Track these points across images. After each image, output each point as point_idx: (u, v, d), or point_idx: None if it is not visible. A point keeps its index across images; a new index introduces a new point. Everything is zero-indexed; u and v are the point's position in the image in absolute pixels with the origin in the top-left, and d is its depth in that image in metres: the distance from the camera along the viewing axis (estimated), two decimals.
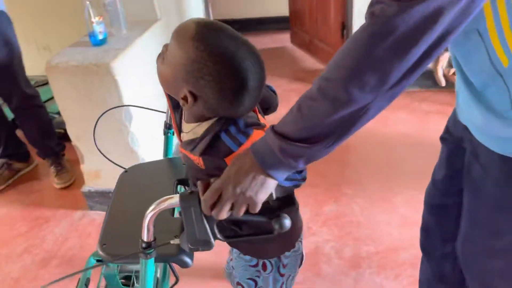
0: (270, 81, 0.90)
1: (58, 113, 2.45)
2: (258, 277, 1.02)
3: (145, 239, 0.86)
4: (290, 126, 0.67)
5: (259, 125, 0.83)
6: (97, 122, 1.29)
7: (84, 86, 1.79)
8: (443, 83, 1.18)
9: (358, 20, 2.94)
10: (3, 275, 1.85)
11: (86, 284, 1.27)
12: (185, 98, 0.82)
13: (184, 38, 0.78)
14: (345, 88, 0.61)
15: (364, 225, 1.91)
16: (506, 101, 0.75)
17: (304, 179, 0.81)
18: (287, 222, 0.78)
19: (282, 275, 1.03)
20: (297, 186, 0.84)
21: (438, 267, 1.18)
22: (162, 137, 1.42)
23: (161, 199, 0.79)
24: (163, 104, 1.16)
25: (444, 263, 1.16)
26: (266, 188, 0.71)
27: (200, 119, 0.86)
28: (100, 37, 1.86)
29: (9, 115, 2.42)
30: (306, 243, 1.83)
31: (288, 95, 2.87)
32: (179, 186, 1.26)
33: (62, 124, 2.06)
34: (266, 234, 0.81)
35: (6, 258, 1.94)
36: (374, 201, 2.04)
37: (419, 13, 0.55)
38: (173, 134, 1.38)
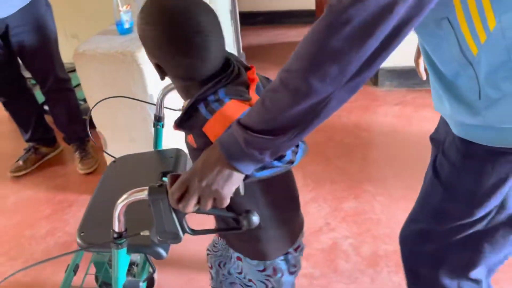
0: None
1: (84, 100, 2.49)
2: (268, 280, 1.01)
3: (116, 229, 0.86)
4: (254, 118, 0.67)
5: (240, 96, 0.80)
6: (91, 109, 1.33)
7: (110, 74, 1.81)
8: (424, 77, 1.18)
9: None
10: (26, 256, 1.90)
11: (75, 271, 1.28)
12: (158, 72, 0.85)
13: (137, 18, 0.84)
14: (305, 79, 0.61)
15: (384, 223, 1.89)
16: (476, 91, 0.75)
17: (290, 162, 0.76)
18: (255, 219, 0.78)
19: (292, 273, 1.03)
20: (282, 171, 0.80)
21: None
22: None
23: (132, 190, 0.79)
24: None
25: None
26: (232, 182, 0.70)
27: (186, 92, 0.87)
28: (127, 25, 1.88)
29: (39, 99, 2.48)
30: (324, 239, 1.82)
31: None
32: (164, 178, 1.26)
33: (87, 111, 2.09)
34: (235, 230, 0.80)
35: (30, 240, 1.99)
36: (396, 200, 2.01)
37: (374, 4, 0.55)
38: (163, 127, 1.39)
